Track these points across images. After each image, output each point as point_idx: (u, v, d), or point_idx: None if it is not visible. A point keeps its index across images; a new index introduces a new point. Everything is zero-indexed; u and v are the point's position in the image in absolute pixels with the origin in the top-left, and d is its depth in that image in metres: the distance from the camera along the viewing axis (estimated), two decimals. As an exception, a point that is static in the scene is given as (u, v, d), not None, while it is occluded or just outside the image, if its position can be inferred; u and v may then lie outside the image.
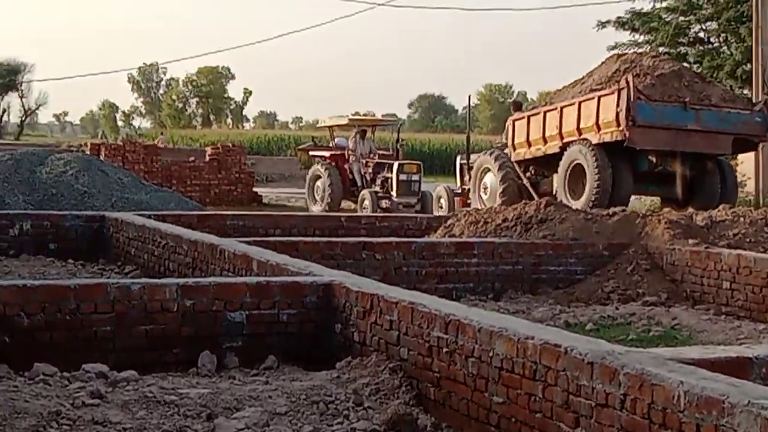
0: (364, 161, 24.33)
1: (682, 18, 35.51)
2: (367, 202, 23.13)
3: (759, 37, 21.24)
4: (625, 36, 37.39)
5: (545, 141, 16.85)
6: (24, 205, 16.88)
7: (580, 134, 15.96)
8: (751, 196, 21.10)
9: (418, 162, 24.54)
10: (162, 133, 61.13)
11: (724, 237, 11.35)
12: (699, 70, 35.02)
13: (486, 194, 18.45)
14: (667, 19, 35.56)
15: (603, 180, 15.39)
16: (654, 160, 15.66)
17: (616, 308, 10.07)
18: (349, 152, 24.65)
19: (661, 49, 35.92)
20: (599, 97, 15.61)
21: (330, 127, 27.83)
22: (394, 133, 26.75)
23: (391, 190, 23.07)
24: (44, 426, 5.10)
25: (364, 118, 27.68)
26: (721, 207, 12.74)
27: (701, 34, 36.78)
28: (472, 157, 20.19)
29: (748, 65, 26.53)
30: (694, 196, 16.07)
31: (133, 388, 5.87)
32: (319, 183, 24.47)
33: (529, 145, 17.29)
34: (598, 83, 16.21)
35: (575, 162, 15.97)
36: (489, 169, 18.48)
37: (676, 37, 35.56)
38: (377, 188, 23.58)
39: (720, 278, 10.34)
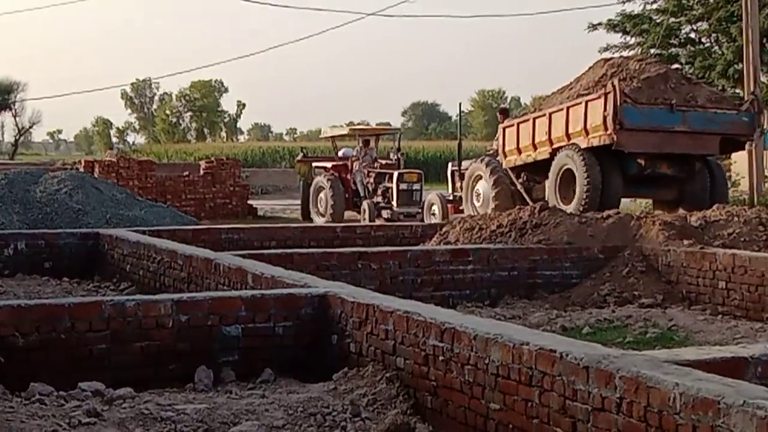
0: (366, 171, 24.21)
1: (672, 19, 35.58)
2: (367, 214, 23.08)
3: (750, 37, 21.28)
4: (616, 38, 37.50)
5: (535, 147, 16.96)
6: (18, 225, 16.86)
7: (569, 139, 16.06)
8: (746, 195, 21.12)
9: (419, 171, 24.37)
10: (111, 148, 60.64)
11: (718, 237, 11.36)
12: (691, 71, 35.15)
13: (479, 201, 18.52)
14: (658, 21, 35.64)
15: (593, 184, 15.48)
16: (643, 162, 15.74)
17: (613, 311, 10.07)
18: (353, 162, 24.55)
19: (652, 50, 36.03)
20: (587, 102, 15.73)
21: (332, 137, 27.74)
22: (395, 143, 26.70)
23: (392, 200, 23.00)
24: (41, 446, 5.08)
25: (365, 127, 27.56)
26: (715, 207, 12.76)
27: (692, 35, 36.87)
28: (464, 164, 20.27)
29: (740, 65, 26.59)
30: (684, 197, 16.16)
31: (130, 405, 5.86)
32: (322, 195, 24.32)
33: (520, 152, 17.40)
34: (585, 88, 16.32)
35: (565, 167, 16.06)
36: (481, 176, 18.56)
37: (667, 39, 35.64)
38: (379, 198, 23.50)
39: (715, 278, 10.34)
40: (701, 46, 36.14)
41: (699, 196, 15.94)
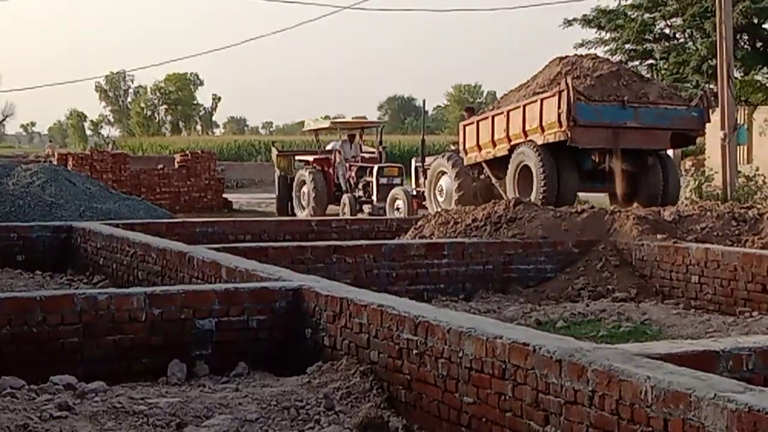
0: (347, 165, 24.12)
1: (647, 15, 35.74)
2: (347, 207, 23.02)
3: (723, 33, 21.40)
4: (591, 33, 37.65)
5: (494, 144, 17.37)
6: (-10, 217, 16.71)
7: (526, 136, 16.46)
8: (719, 190, 21.25)
9: (399, 165, 24.28)
10: (51, 141, 59.84)
11: (691, 231, 11.43)
12: (665, 66, 35.34)
13: (441, 196, 18.83)
14: (633, 16, 35.77)
15: (549, 179, 15.89)
16: (596, 158, 16.14)
17: (587, 305, 10.11)
18: (336, 156, 24.46)
19: (627, 45, 36.19)
20: (542, 100, 16.13)
21: (315, 131, 27.63)
22: (377, 136, 26.61)
23: (372, 194, 22.96)
24: (11, 440, 5.05)
25: (347, 121, 27.38)
26: (688, 201, 12.90)
27: (667, 31, 37.05)
28: (427, 160, 20.51)
29: (714, 60, 26.74)
30: (638, 191, 16.58)
31: (102, 399, 5.82)
32: (304, 189, 24.24)
33: (480, 149, 17.80)
34: (541, 86, 16.75)
35: (522, 163, 16.49)
36: (444, 172, 18.87)
37: (642, 34, 35.81)
38: (360, 192, 23.44)
39: (688, 272, 10.41)
40: (675, 42, 36.33)
41: (652, 191, 16.44)
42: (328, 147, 25.89)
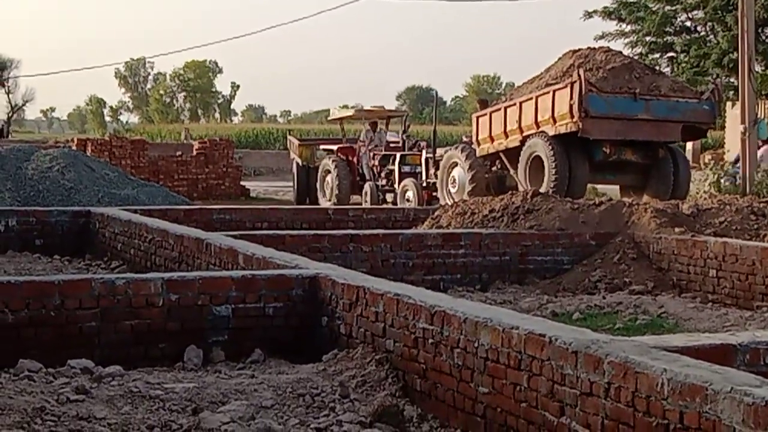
0: (371, 154, 24.05)
1: (668, 7, 35.56)
2: (368, 196, 22.97)
3: (745, 26, 21.24)
4: (611, 26, 37.50)
5: (506, 135, 17.45)
6: (10, 202, 16.82)
7: (538, 127, 16.55)
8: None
9: (421, 153, 24.25)
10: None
11: (710, 225, 11.38)
12: (686, 59, 35.17)
13: (454, 188, 18.86)
14: (654, 9, 35.62)
15: (560, 170, 15.98)
16: (608, 149, 16.23)
17: (603, 297, 10.08)
18: (360, 145, 24.39)
19: (647, 38, 36.03)
20: (554, 91, 16.22)
21: (340, 119, 27.53)
22: (402, 125, 26.50)
23: (395, 183, 22.86)
24: (29, 422, 5.08)
25: (371, 109, 27.25)
26: (707, 195, 12.86)
27: (688, 23, 36.86)
28: (439, 151, 20.55)
29: (735, 54, 26.58)
30: (648, 183, 16.70)
31: (119, 383, 5.86)
32: (328, 178, 24.18)
33: (492, 140, 17.88)
34: (553, 78, 16.84)
35: (534, 154, 16.57)
36: (457, 163, 18.91)
37: (663, 26, 35.63)
38: (383, 181, 23.36)
39: (706, 266, 10.36)
40: (696, 35, 36.13)
41: (663, 183, 16.53)
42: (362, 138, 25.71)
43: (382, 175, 23.35)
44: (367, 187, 23.14)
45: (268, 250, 8.55)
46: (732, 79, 33.18)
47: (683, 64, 34.77)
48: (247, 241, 9.41)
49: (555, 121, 16.12)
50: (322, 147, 26.64)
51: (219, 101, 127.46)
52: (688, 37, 35.97)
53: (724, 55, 32.30)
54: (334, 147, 25.07)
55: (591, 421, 4.49)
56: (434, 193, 20.00)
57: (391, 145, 24.54)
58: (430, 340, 5.64)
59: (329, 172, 23.99)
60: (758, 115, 22.81)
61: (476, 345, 5.25)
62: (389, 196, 22.87)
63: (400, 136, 25.16)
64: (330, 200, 23.64)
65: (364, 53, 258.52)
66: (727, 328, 8.47)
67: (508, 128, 17.31)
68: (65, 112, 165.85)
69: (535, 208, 11.92)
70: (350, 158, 24.22)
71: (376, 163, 23.64)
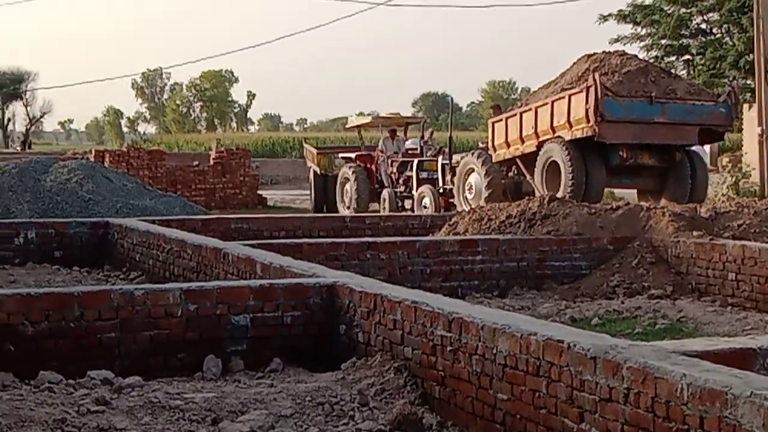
0: (389, 161, 24.03)
1: (683, 10, 35.46)
2: (386, 203, 22.94)
3: (761, 27, 21.18)
4: (627, 29, 37.42)
5: (522, 141, 17.47)
6: (29, 214, 16.93)
7: (554, 132, 16.57)
8: (756, 186, 21.06)
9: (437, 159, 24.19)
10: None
11: (728, 228, 11.33)
12: (702, 62, 35.06)
13: (471, 194, 18.86)
14: (669, 11, 35.52)
15: (576, 175, 15.98)
16: (624, 153, 16.23)
17: (622, 302, 10.05)
18: (378, 152, 24.36)
19: (663, 41, 35.93)
20: (570, 96, 16.25)
21: (358, 126, 27.53)
22: (420, 132, 26.49)
23: (413, 189, 22.83)
24: (50, 434, 5.11)
25: (389, 116, 27.24)
26: (725, 198, 12.81)
27: (703, 26, 36.74)
28: (455, 157, 20.53)
29: (751, 56, 26.47)
30: (666, 186, 16.70)
31: (138, 393, 5.88)
32: (347, 186, 24.17)
33: (508, 146, 17.91)
34: (569, 83, 16.88)
35: (550, 159, 16.57)
36: (473, 169, 18.91)
37: (678, 29, 35.55)
38: (401, 188, 23.33)
39: (725, 270, 10.31)
40: (712, 37, 36.01)
41: (680, 186, 16.53)
42: (408, 143, 25.56)
43: (401, 181, 23.33)
44: (385, 193, 23.12)
45: (285, 258, 8.57)
46: (749, 81, 33.03)
47: (699, 67, 34.66)
48: (265, 250, 9.42)
49: (571, 126, 16.13)
50: (340, 155, 26.66)
51: (235, 110, 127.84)
52: (703, 39, 35.85)
53: (740, 57, 32.17)
54: (353, 155, 25.07)
55: (611, 427, 4.48)
56: (451, 200, 20.03)
57: (410, 151, 24.51)
58: (449, 347, 5.64)
59: (348, 180, 23.96)
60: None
61: (494, 352, 5.25)
62: (407, 203, 22.85)
63: (419, 142, 25.13)
64: (349, 208, 23.64)
65: (379, 60, 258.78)
66: (747, 331, 8.43)
67: (524, 134, 17.32)
68: (83, 123, 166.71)
69: (552, 213, 11.89)
70: (368, 166, 24.21)
71: (395, 170, 23.62)
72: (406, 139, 25.79)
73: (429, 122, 31.54)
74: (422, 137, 25.52)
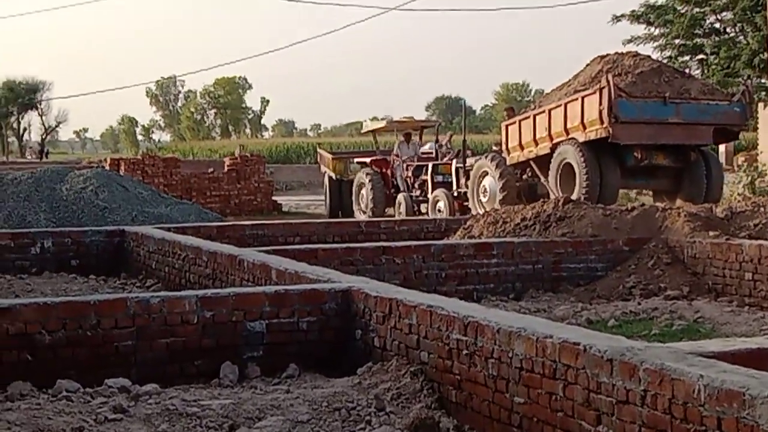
0: (404, 165, 24.03)
1: (697, 9, 35.34)
2: (402, 207, 22.94)
3: (774, 26, 21.10)
4: (640, 29, 37.33)
5: (536, 143, 17.46)
6: (45, 223, 17.00)
7: (568, 134, 16.55)
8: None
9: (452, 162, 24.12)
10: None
11: (744, 228, 11.28)
12: (716, 61, 34.93)
13: (485, 197, 18.84)
14: (682, 11, 35.40)
15: (591, 176, 15.97)
16: (639, 154, 16.20)
17: (638, 303, 10.02)
18: (393, 157, 24.35)
19: (676, 41, 35.83)
20: (583, 98, 16.22)
21: (373, 131, 27.54)
22: (435, 135, 26.48)
23: (428, 192, 22.81)
24: (68, 442, 5.12)
25: (404, 120, 27.27)
26: (741, 197, 12.76)
27: (717, 25, 36.61)
28: (469, 161, 20.52)
29: (765, 54, 26.37)
30: (681, 186, 16.64)
31: (156, 401, 5.89)
32: (363, 191, 24.18)
33: (522, 148, 17.90)
34: (582, 84, 16.85)
35: (565, 161, 16.57)
36: (487, 172, 18.89)
37: (692, 29, 35.44)
38: (417, 192, 23.32)
39: (742, 269, 10.27)
40: (726, 36, 35.88)
41: (696, 186, 16.47)
42: (426, 148, 25.50)
43: (416, 185, 23.32)
44: (400, 197, 23.10)
45: (300, 264, 8.57)
46: (763, 80, 32.91)
47: (713, 66, 34.53)
48: (280, 256, 9.44)
49: (585, 128, 16.10)
50: (355, 160, 26.66)
51: (249, 117, 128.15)
52: (717, 38, 35.72)
53: (755, 56, 32.02)
54: (368, 159, 25.07)
55: (628, 430, 4.46)
56: (465, 203, 20.03)
57: (424, 155, 24.51)
58: (465, 351, 5.63)
59: (364, 185, 23.97)
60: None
61: (510, 355, 5.24)
62: (423, 207, 22.83)
63: (434, 146, 25.12)
64: (366, 213, 23.64)
65: (392, 65, 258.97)
66: (765, 331, 8.40)
67: (538, 136, 17.31)
68: (98, 132, 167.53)
69: (567, 215, 11.87)
70: (384, 170, 24.21)
71: (410, 174, 23.62)
72: (422, 144, 25.81)
73: (443, 126, 31.56)
74: (437, 140, 25.51)
